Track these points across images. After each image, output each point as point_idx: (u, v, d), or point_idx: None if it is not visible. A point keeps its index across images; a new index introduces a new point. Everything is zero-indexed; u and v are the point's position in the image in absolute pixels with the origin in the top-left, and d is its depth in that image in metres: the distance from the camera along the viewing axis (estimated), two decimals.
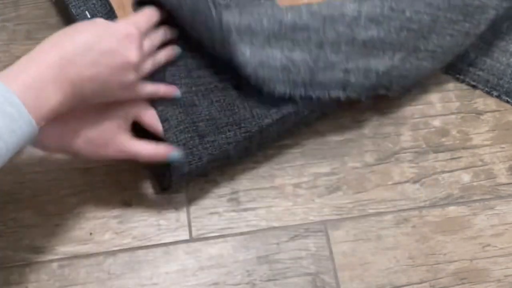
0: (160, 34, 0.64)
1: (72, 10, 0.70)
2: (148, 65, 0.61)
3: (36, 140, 0.51)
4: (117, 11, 0.72)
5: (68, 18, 0.74)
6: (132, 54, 0.56)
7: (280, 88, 0.64)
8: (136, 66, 0.57)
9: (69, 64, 0.52)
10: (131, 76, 0.57)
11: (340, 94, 0.66)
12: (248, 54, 0.63)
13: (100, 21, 0.56)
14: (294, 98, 0.65)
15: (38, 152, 0.70)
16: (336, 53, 0.65)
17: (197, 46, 0.65)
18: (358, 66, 0.66)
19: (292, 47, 0.64)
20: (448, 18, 0.69)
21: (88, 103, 0.56)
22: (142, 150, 0.61)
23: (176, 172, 0.63)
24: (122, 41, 0.55)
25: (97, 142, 0.59)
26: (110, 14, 0.71)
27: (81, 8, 0.71)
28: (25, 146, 0.50)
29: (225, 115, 0.65)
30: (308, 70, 0.64)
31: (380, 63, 0.66)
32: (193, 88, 0.65)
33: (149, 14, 0.63)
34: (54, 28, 0.76)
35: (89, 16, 0.70)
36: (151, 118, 0.62)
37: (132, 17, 0.62)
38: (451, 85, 0.79)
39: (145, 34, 0.60)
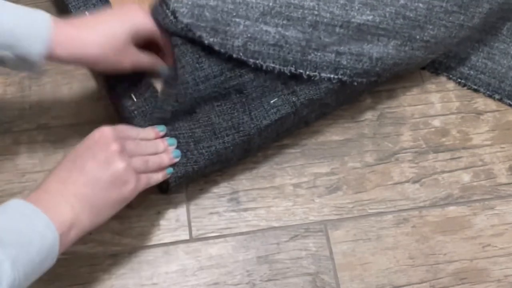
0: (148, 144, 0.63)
1: (72, 10, 0.70)
2: (138, 162, 0.60)
3: (49, 52, 0.57)
4: None
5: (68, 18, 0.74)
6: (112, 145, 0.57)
7: (269, 64, 0.64)
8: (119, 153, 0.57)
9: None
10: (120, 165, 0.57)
11: (332, 76, 0.66)
12: (242, 27, 0.63)
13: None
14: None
15: (38, 152, 0.70)
16: (330, 34, 0.65)
17: (206, 56, 0.65)
18: (351, 50, 0.66)
19: (286, 25, 0.64)
20: (444, 8, 0.70)
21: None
22: (146, 58, 0.65)
23: (173, 175, 0.63)
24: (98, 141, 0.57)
25: (109, 49, 0.60)
26: None
27: (81, 9, 0.70)
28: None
29: (224, 120, 0.65)
30: (300, 49, 0.65)
31: (374, 49, 0.67)
32: (197, 97, 0.65)
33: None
34: None
35: None
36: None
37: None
38: (451, 85, 0.79)
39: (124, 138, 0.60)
